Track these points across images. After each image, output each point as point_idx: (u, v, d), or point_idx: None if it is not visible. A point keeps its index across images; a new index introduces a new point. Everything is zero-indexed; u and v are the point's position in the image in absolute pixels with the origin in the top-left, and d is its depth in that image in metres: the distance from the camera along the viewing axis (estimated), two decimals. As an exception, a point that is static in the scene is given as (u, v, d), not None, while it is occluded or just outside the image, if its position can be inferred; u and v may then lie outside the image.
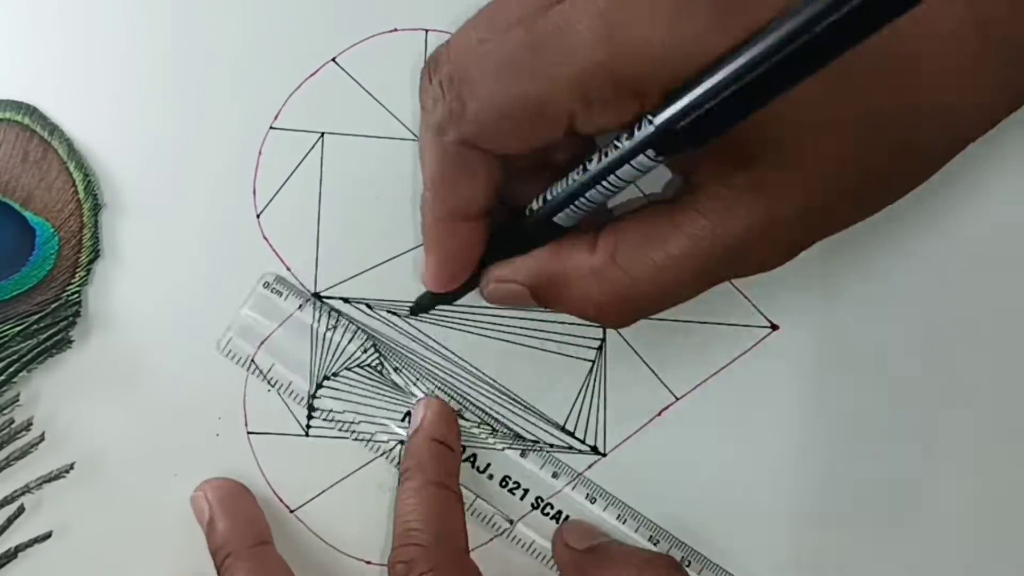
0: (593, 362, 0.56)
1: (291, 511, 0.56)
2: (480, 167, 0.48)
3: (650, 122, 0.43)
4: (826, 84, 0.41)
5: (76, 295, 0.55)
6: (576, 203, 0.47)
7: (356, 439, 0.56)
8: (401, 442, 0.55)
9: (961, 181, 0.56)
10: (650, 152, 0.43)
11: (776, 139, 0.44)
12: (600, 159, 0.46)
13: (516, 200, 0.51)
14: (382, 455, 0.56)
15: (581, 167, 0.47)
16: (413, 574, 0.50)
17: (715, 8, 0.41)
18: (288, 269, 0.56)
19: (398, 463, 0.55)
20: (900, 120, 0.45)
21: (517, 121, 0.45)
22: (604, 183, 0.46)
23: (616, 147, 0.45)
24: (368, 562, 0.56)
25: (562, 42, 0.43)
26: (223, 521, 0.53)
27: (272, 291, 0.55)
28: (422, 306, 0.56)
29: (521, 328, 0.56)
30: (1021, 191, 0.57)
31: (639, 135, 0.43)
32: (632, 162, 0.44)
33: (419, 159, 0.50)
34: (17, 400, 0.55)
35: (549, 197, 0.49)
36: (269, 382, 0.55)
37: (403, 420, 0.56)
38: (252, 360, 0.56)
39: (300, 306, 0.55)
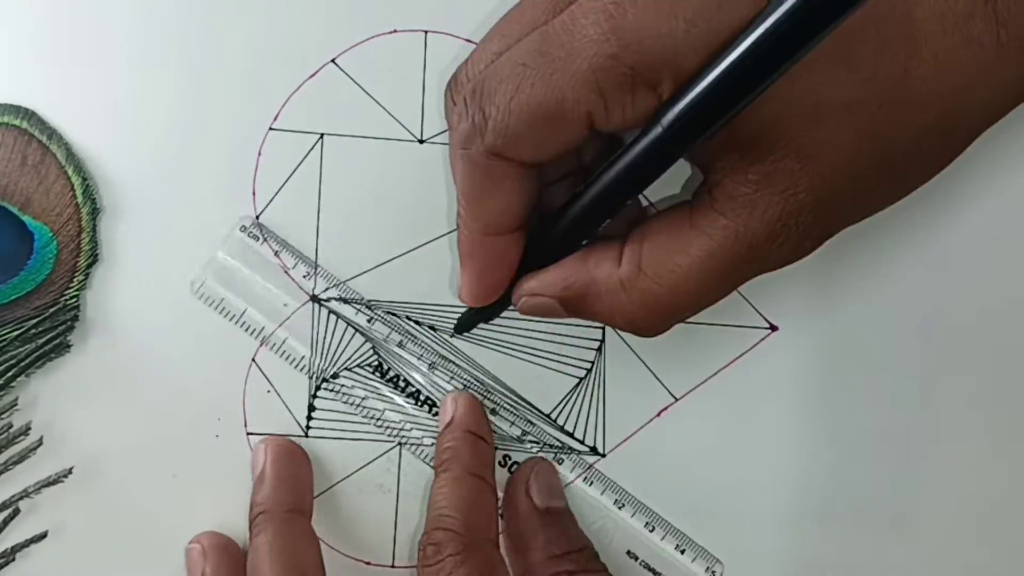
0: (592, 363, 0.56)
1: (290, 512, 0.56)
2: (510, 178, 0.48)
3: (659, 120, 0.43)
4: (834, 70, 0.42)
5: (74, 299, 0.55)
6: (596, 211, 0.48)
7: (365, 416, 0.56)
8: (400, 443, 0.56)
9: (961, 180, 0.56)
10: (662, 151, 0.44)
11: (788, 129, 0.44)
12: (614, 164, 0.46)
13: (552, 210, 0.51)
14: (382, 456, 0.56)
15: (597, 174, 0.47)
16: (441, 555, 0.50)
17: None
18: (287, 271, 0.56)
19: (397, 468, 0.55)
20: (910, 104, 0.45)
21: (538, 125, 0.45)
22: (620, 188, 0.46)
23: (628, 150, 0.45)
24: (368, 563, 0.56)
25: (572, 41, 0.43)
26: (270, 480, 0.54)
27: (249, 235, 0.55)
28: (464, 324, 0.56)
29: (520, 329, 0.56)
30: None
31: (650, 135, 0.44)
32: (644, 163, 0.45)
33: (452, 173, 0.50)
34: (15, 404, 0.55)
35: (571, 206, 0.49)
36: (232, 320, 0.56)
37: (418, 405, 0.56)
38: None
39: (276, 252, 0.55)
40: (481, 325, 0.56)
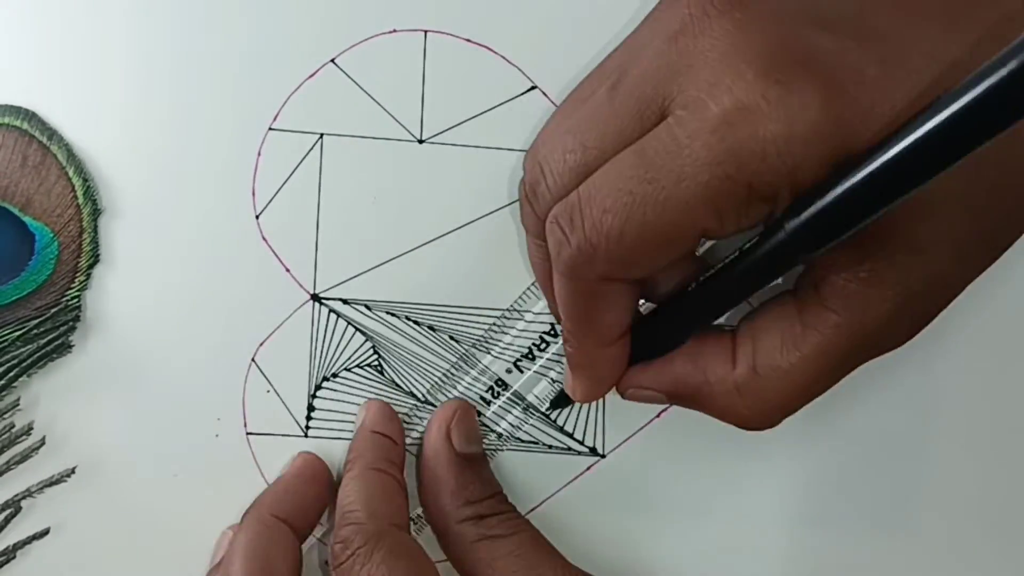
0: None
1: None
2: (619, 296, 0.47)
3: (783, 227, 0.43)
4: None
5: (76, 300, 0.55)
6: (710, 309, 0.48)
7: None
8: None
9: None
10: (784, 256, 0.44)
11: (901, 223, 0.43)
12: (732, 265, 0.46)
13: (649, 297, 0.50)
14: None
15: (713, 271, 0.47)
16: (349, 551, 0.50)
17: (824, 94, 0.41)
18: (287, 270, 0.56)
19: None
20: (1017, 186, 0.45)
21: (651, 250, 0.44)
22: (736, 289, 0.47)
23: (748, 253, 0.45)
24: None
25: (681, 166, 0.42)
26: (280, 486, 0.55)
27: None
28: (558, 404, 0.57)
29: (521, 330, 0.56)
30: None
31: (772, 240, 0.43)
32: (765, 267, 0.45)
33: (530, 260, 0.52)
34: (17, 404, 0.55)
35: (682, 302, 0.49)
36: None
37: (418, 405, 0.56)
38: (252, 360, 0.56)
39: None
40: (483, 335, 0.56)
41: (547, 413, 0.56)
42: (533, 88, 0.55)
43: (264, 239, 0.56)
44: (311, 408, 0.56)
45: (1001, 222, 0.46)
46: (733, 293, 0.47)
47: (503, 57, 0.55)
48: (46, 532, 0.55)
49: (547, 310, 0.56)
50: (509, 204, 0.56)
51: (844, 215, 0.41)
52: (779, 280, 0.47)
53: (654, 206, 0.42)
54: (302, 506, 0.54)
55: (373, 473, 0.53)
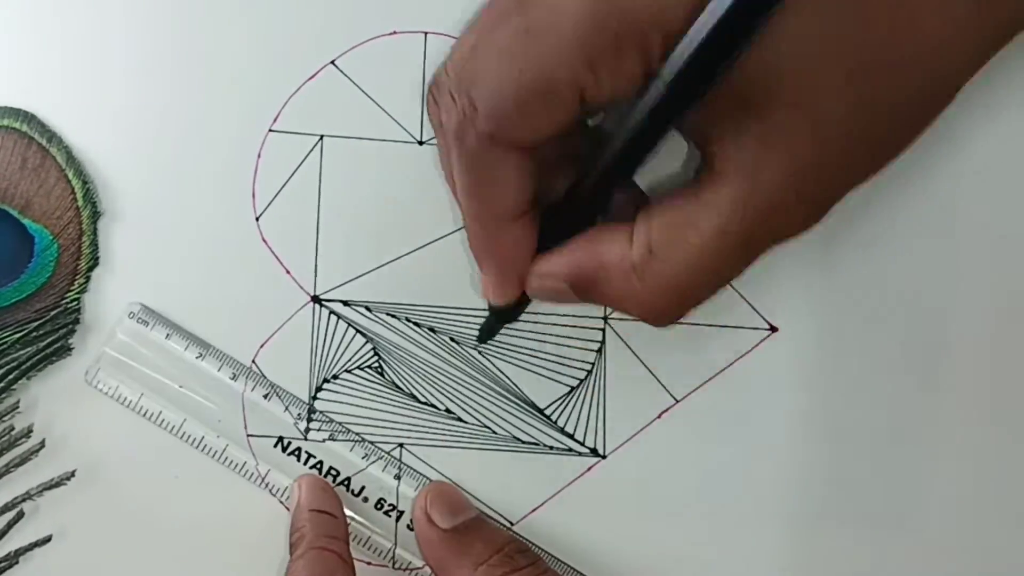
0: (593, 364, 0.56)
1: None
2: (508, 162, 0.47)
3: (660, 78, 0.42)
4: (823, 22, 0.41)
5: (75, 302, 0.55)
6: (604, 183, 0.48)
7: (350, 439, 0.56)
8: (400, 444, 0.56)
9: (957, 179, 0.56)
10: (660, 112, 0.43)
11: (783, 78, 0.43)
12: (619, 132, 0.45)
13: (553, 196, 0.50)
14: (382, 457, 0.56)
15: (603, 146, 0.46)
16: None
17: None
18: (287, 272, 0.56)
19: (398, 469, 0.56)
20: (899, 56, 0.44)
21: (530, 106, 0.44)
22: (627, 156, 0.46)
23: (631, 115, 0.44)
24: (368, 563, 0.56)
25: (553, 19, 0.43)
26: (304, 508, 0.54)
27: (139, 321, 0.56)
28: (487, 332, 0.56)
29: (521, 331, 0.56)
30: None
31: (651, 95, 0.43)
32: (649, 125, 0.44)
33: (446, 179, 0.51)
34: (17, 407, 0.55)
35: (579, 184, 0.49)
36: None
37: (418, 406, 0.56)
38: (253, 362, 0.56)
39: (167, 335, 0.56)
40: (478, 326, 0.56)
41: (549, 416, 0.56)
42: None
43: (264, 241, 0.56)
44: (311, 410, 0.56)
45: (891, 103, 0.45)
46: (624, 161, 0.46)
47: (502, 58, 0.55)
48: (48, 539, 0.55)
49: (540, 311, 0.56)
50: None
51: (714, 50, 0.41)
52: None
53: (530, 59, 0.43)
54: (334, 521, 0.55)
55: (315, 552, 0.53)
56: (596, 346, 0.56)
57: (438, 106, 0.47)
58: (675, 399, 0.56)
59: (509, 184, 0.48)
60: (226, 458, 0.55)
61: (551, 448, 0.56)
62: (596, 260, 0.48)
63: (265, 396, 0.56)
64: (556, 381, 0.56)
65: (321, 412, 0.56)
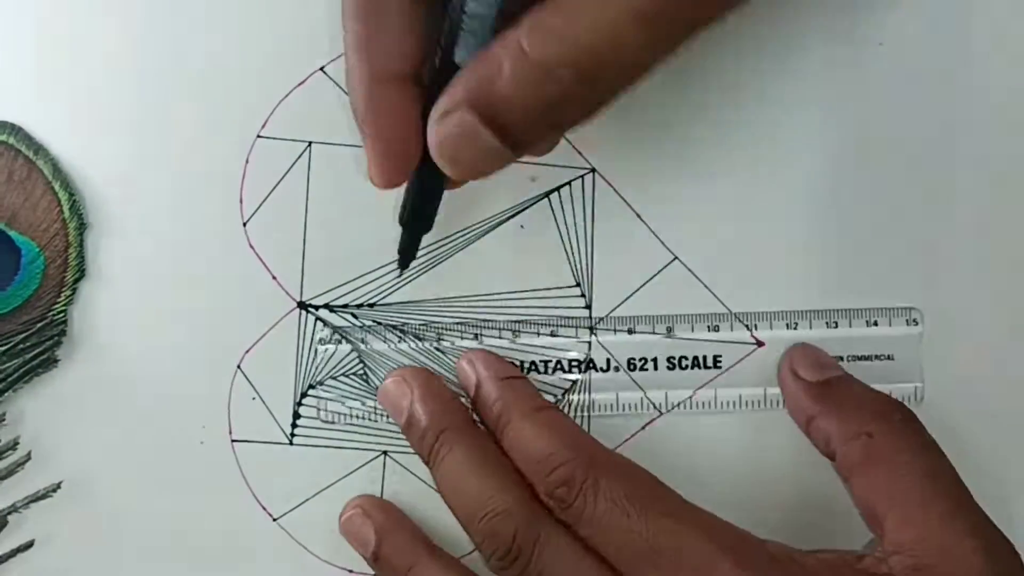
0: (577, 376, 0.56)
1: (274, 519, 0.56)
2: (395, 11, 0.46)
3: None
4: None
5: (62, 314, 0.55)
6: (468, 23, 0.44)
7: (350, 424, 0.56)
8: (384, 452, 0.56)
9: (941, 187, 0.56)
10: None
11: None
12: None
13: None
14: (366, 464, 0.56)
15: None
16: (576, 486, 0.49)
17: None
18: (274, 278, 0.56)
19: (381, 476, 0.56)
20: None
21: None
22: None
23: None
24: (350, 571, 0.56)
25: None
26: (428, 402, 0.54)
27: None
28: (405, 252, 0.54)
29: (507, 345, 0.56)
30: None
31: None
32: None
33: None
34: (3, 419, 0.55)
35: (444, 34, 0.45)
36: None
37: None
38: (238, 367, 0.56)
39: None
40: (466, 334, 0.56)
41: None
42: (523, 98, 0.55)
43: (251, 247, 0.56)
44: (296, 416, 0.56)
45: None
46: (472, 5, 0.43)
47: (491, 66, 0.55)
48: (30, 545, 0.55)
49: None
50: (499, 215, 0.56)
51: None
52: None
53: None
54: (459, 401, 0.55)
55: (541, 413, 0.53)
56: (582, 356, 0.56)
57: None
58: (659, 412, 0.56)
59: (393, 35, 0.46)
60: (210, 463, 0.55)
61: (538, 455, 0.56)
62: (491, 62, 0.42)
63: (251, 400, 0.56)
64: (540, 392, 0.56)
65: (306, 418, 0.56)
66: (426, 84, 0.47)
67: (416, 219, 0.52)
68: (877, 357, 0.55)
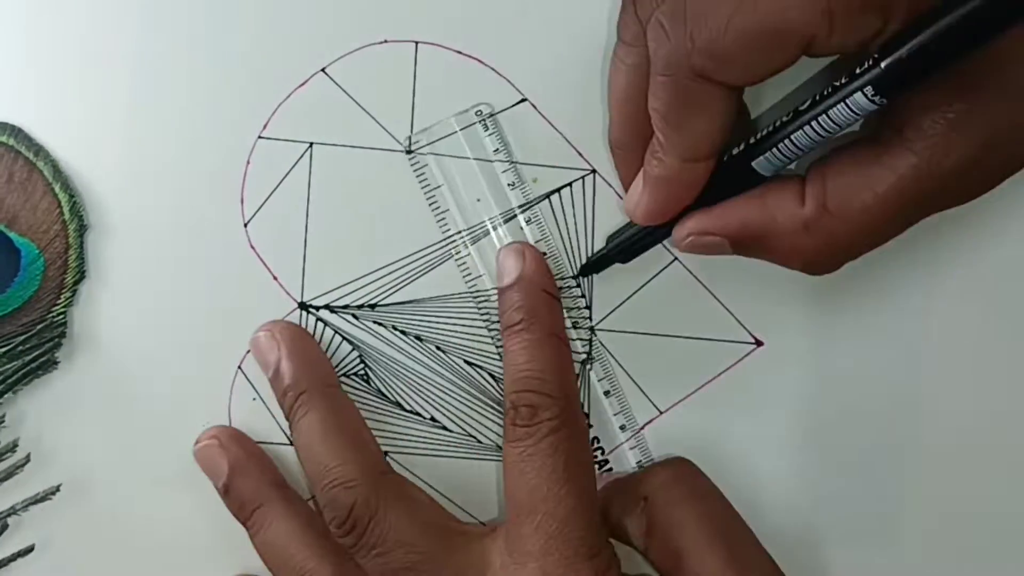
0: (578, 375, 0.56)
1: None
2: (714, 100, 0.47)
3: (875, 60, 0.43)
4: None
5: (61, 316, 0.55)
6: (784, 148, 0.47)
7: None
8: (385, 453, 0.56)
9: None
10: (869, 90, 0.43)
11: (998, 67, 0.43)
12: (815, 99, 0.45)
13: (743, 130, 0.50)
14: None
15: (792, 111, 0.47)
16: (539, 418, 0.50)
17: None
18: (275, 278, 0.56)
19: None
20: None
21: (754, 47, 0.44)
22: (815, 125, 0.46)
23: (834, 86, 0.45)
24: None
25: None
26: (294, 360, 0.54)
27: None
28: (592, 265, 0.56)
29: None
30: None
31: (862, 74, 0.43)
32: (849, 102, 0.44)
33: (607, 96, 0.51)
34: (2, 421, 0.55)
35: (753, 140, 0.49)
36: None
37: (404, 414, 0.56)
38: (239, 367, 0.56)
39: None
40: (468, 347, 0.56)
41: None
42: (523, 100, 0.55)
43: (252, 247, 0.56)
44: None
45: None
46: (814, 134, 0.46)
47: (493, 69, 0.55)
48: (30, 549, 0.55)
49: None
50: (498, 215, 0.56)
51: (944, 46, 0.41)
52: (855, 127, 0.47)
53: (768, 2, 0.43)
54: (326, 363, 0.56)
55: (555, 341, 0.53)
56: (582, 357, 0.56)
57: (638, 19, 0.48)
58: (659, 411, 0.56)
59: (708, 122, 0.47)
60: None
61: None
62: (765, 216, 0.49)
63: (252, 400, 0.56)
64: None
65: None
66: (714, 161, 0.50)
67: (627, 253, 0.55)
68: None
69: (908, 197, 0.45)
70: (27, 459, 0.55)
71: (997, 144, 0.44)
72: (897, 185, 0.45)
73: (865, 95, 0.43)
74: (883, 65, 0.42)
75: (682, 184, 0.50)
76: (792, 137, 0.47)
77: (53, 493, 0.55)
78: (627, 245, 0.54)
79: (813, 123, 0.46)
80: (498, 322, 0.54)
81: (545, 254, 0.55)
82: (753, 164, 0.49)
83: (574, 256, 0.56)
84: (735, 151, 0.49)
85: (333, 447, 0.52)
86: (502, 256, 0.54)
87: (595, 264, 0.55)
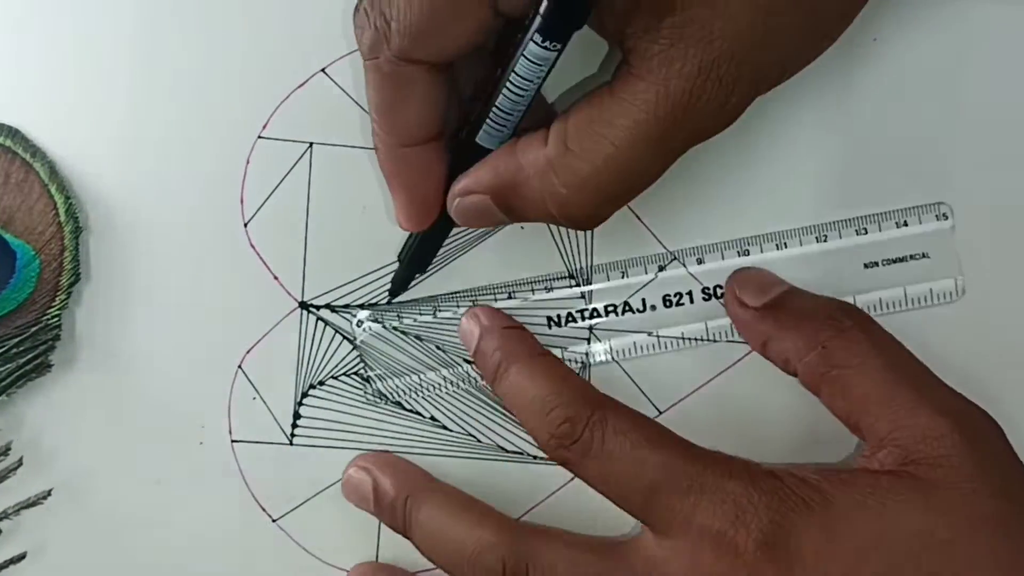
0: (577, 374, 0.56)
1: (274, 520, 0.56)
2: (421, 83, 0.48)
3: (536, 9, 0.44)
4: None
5: (56, 318, 0.55)
6: (495, 116, 0.49)
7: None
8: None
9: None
10: (538, 38, 0.45)
11: None
12: (521, 43, 0.46)
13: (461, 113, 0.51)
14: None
15: (506, 63, 0.47)
16: (582, 423, 0.50)
17: None
18: (275, 278, 0.56)
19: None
20: None
21: (440, 14, 0.45)
22: (510, 86, 0.47)
23: (515, 45, 0.46)
24: (349, 572, 0.56)
25: None
26: (391, 475, 0.54)
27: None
28: (400, 283, 0.56)
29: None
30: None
31: (530, 25, 0.45)
32: (526, 54, 0.46)
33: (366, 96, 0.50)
34: (-3, 425, 0.55)
35: (473, 118, 0.50)
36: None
37: (404, 414, 0.56)
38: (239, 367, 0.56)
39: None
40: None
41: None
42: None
43: (252, 247, 0.56)
44: (297, 416, 0.56)
45: None
46: (513, 96, 0.47)
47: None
48: (22, 557, 0.55)
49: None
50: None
51: None
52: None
53: None
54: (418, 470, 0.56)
55: (540, 358, 0.53)
56: (581, 358, 0.56)
57: (357, 16, 0.48)
58: (658, 411, 0.56)
59: (419, 104, 0.49)
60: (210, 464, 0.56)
61: (535, 457, 0.56)
62: (514, 163, 0.49)
63: (252, 400, 0.56)
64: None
65: (306, 418, 0.56)
66: (448, 150, 0.51)
67: (416, 262, 0.55)
68: (912, 257, 0.55)
69: (647, 125, 0.46)
70: (19, 463, 0.55)
71: (717, 55, 0.45)
72: (633, 114, 0.46)
73: (536, 43, 0.45)
74: (540, 11, 0.44)
75: (412, 172, 0.51)
76: (497, 104, 0.48)
77: (44, 498, 0.55)
78: (415, 255, 0.55)
79: (508, 85, 0.47)
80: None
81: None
82: (477, 140, 0.50)
83: (574, 256, 0.56)
84: (462, 134, 0.50)
85: (461, 525, 0.53)
86: (461, 328, 0.55)
87: (399, 285, 0.56)
